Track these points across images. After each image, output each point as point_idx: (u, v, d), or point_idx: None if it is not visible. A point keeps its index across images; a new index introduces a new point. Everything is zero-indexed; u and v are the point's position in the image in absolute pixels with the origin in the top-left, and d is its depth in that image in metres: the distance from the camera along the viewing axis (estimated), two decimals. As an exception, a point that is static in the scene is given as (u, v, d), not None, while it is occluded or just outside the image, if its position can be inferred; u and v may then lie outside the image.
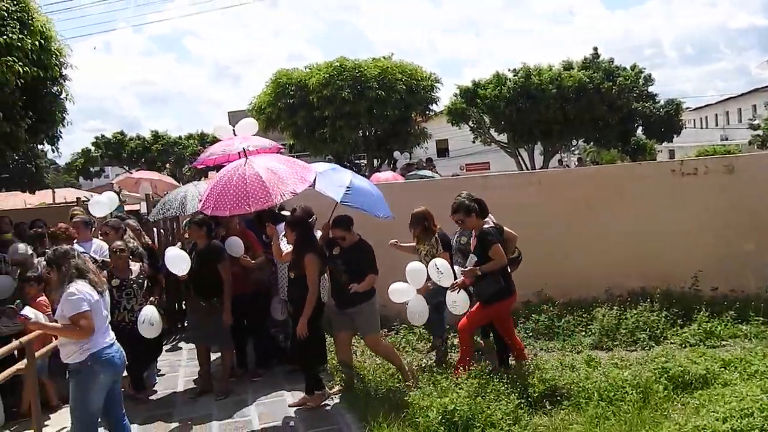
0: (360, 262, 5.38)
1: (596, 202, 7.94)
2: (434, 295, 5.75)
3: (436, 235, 6.00)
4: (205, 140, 33.33)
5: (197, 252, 5.98)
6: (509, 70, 22.26)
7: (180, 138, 33.50)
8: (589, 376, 5.20)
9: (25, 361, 4.30)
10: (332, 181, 5.78)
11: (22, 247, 5.94)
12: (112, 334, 4.08)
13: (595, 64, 22.34)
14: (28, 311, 5.15)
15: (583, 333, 6.84)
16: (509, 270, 5.71)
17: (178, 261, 5.69)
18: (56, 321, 3.93)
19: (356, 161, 23.44)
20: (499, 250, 5.34)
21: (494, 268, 5.34)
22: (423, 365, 6.15)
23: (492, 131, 23.79)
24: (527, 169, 23.09)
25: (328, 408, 5.45)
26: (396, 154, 22.31)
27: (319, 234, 5.69)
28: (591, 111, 21.08)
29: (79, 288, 3.85)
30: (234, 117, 42.15)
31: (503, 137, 23.96)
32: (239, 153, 6.06)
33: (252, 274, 6.26)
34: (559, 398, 4.95)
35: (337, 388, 5.73)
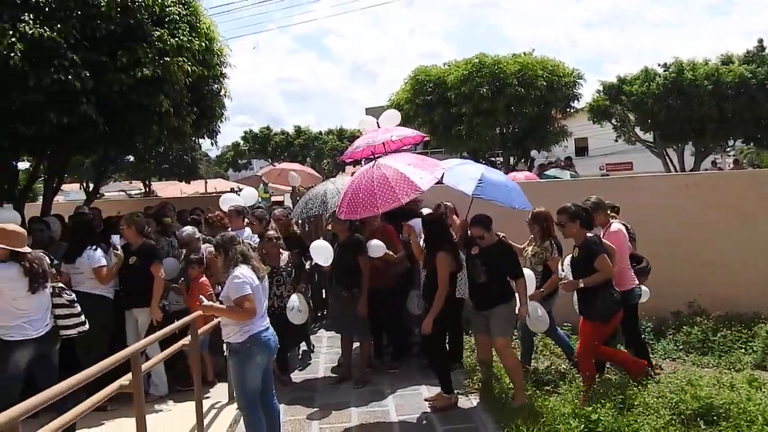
0: (500, 264, 5.23)
1: (755, 208, 7.27)
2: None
3: (552, 240, 5.78)
4: (344, 136, 34.49)
5: (339, 244, 6.21)
6: (659, 65, 20.80)
7: (320, 133, 34.92)
8: (752, 398, 4.72)
9: (189, 337, 4.67)
10: (463, 174, 5.71)
11: (190, 229, 6.40)
12: (267, 319, 4.30)
13: (760, 57, 20.28)
14: None
15: (743, 350, 6.28)
16: (637, 282, 5.48)
17: (322, 252, 5.92)
18: (220, 302, 4.22)
19: (492, 159, 23.08)
20: (606, 262, 4.99)
21: (599, 280, 4.99)
22: (561, 369, 5.96)
23: (637, 130, 22.39)
24: (675, 170, 21.50)
25: (465, 407, 5.41)
26: (534, 152, 21.66)
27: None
28: (752, 108, 19.18)
29: (243, 272, 4.07)
30: (371, 113, 42.93)
31: (649, 136, 22.47)
32: (383, 144, 6.22)
33: (392, 269, 6.38)
34: (715, 418, 4.55)
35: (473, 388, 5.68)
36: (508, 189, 5.74)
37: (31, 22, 5.60)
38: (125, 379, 3.61)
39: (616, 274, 5.22)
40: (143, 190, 36.99)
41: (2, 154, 7.16)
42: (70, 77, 5.66)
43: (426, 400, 5.56)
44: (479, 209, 5.48)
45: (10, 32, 5.47)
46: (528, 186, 7.50)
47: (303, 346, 7.01)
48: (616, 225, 5.66)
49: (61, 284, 4.69)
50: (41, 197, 9.30)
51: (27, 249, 4.31)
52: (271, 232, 6.08)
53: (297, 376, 6.45)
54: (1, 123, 5.77)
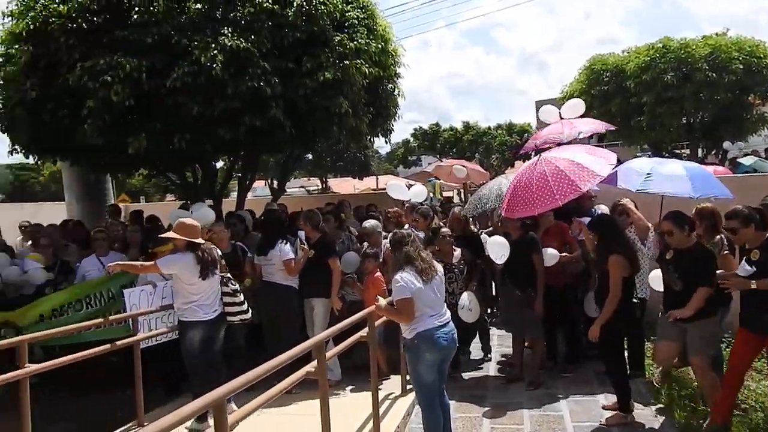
0: (693, 271, 4.61)
1: None
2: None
3: (721, 237, 5.07)
4: (513, 130, 33.83)
5: (513, 242, 6.09)
6: None
7: (489, 128, 34.59)
8: None
9: (366, 329, 4.86)
10: (629, 171, 5.35)
11: (373, 223, 6.68)
12: (445, 316, 4.33)
13: None
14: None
15: None
16: None
17: (500, 248, 5.84)
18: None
19: (676, 151, 21.29)
20: None
21: None
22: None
23: None
24: None
25: (649, 424, 5.02)
26: (726, 143, 19.56)
27: None
28: None
29: (403, 277, 4.14)
30: (541, 106, 41.56)
31: None
32: (571, 141, 5.99)
33: (567, 267, 6.14)
34: None
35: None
36: (683, 178, 5.20)
37: (229, 35, 6.19)
38: (311, 367, 3.84)
39: None
40: (320, 187, 39.37)
41: (205, 156, 8.01)
42: (262, 84, 6.16)
43: (604, 408, 5.28)
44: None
45: (212, 45, 6.09)
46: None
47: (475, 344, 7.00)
48: None
49: (228, 275, 5.19)
50: (235, 194, 10.28)
51: (201, 241, 4.90)
52: (444, 230, 6.14)
53: (467, 374, 6.45)
54: (206, 128, 6.43)
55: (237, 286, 5.25)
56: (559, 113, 7.55)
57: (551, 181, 5.59)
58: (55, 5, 6.39)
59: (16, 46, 6.74)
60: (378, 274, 6.20)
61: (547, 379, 6.08)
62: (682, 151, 21.80)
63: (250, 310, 5.35)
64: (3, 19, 7.06)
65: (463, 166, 12.96)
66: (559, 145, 6.89)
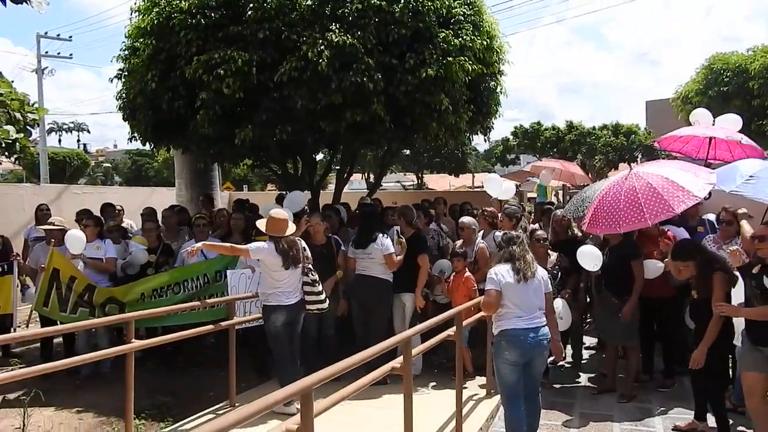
0: None
1: None
2: None
3: None
4: (619, 131, 32.36)
5: (610, 248, 5.85)
6: None
7: (593, 128, 33.26)
8: None
9: (454, 328, 4.85)
10: (732, 171, 4.98)
11: (468, 219, 6.60)
12: (537, 320, 4.28)
13: None
14: None
15: None
16: None
17: (591, 258, 5.63)
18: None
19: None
20: None
21: None
22: None
23: None
24: None
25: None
26: None
27: None
28: None
29: (497, 270, 4.26)
30: (652, 107, 39.54)
31: None
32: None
33: (670, 277, 5.82)
34: None
35: None
36: None
37: (336, 30, 6.33)
38: (397, 362, 3.88)
39: None
40: (416, 182, 39.46)
41: (306, 148, 8.25)
42: (365, 79, 6.26)
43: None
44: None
45: (320, 41, 6.25)
46: None
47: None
48: None
49: (309, 265, 5.41)
50: (333, 186, 10.51)
51: (286, 234, 5.20)
52: (540, 232, 5.99)
53: (556, 382, 6.28)
54: (308, 121, 6.62)
55: (317, 276, 5.44)
56: (714, 121, 7.20)
57: (641, 198, 5.31)
58: (177, 1, 6.78)
59: (141, 40, 7.22)
60: (468, 274, 6.14)
61: (642, 392, 5.81)
62: (809, 160, 20.09)
63: (328, 301, 5.54)
64: (131, 14, 7.60)
65: (559, 168, 12.45)
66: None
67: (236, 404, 5.40)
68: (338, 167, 9.56)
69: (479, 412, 5.27)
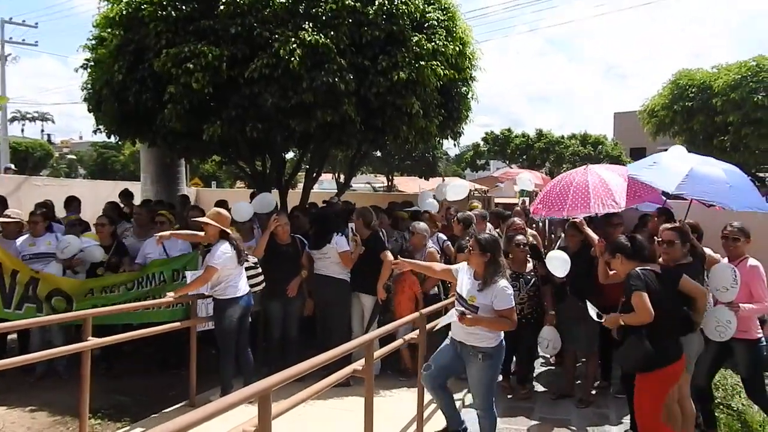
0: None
1: None
2: None
3: None
4: (587, 141, 32.90)
5: (573, 254, 5.92)
6: None
7: (562, 137, 33.77)
8: None
9: (417, 331, 4.87)
10: (665, 170, 4.94)
11: (424, 225, 6.78)
12: None
13: None
14: None
15: None
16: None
17: (560, 263, 5.69)
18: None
19: (760, 175, 20.21)
20: (640, 302, 4.01)
21: (633, 321, 4.10)
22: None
23: None
24: None
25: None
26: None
27: None
28: None
29: (508, 285, 4.30)
30: (620, 118, 40.34)
31: None
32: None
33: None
34: None
35: None
36: (725, 185, 4.80)
37: (309, 29, 6.28)
38: (359, 365, 3.87)
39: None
40: (386, 184, 39.51)
41: (276, 147, 8.18)
42: (337, 80, 6.22)
43: None
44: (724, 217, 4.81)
45: (292, 39, 6.20)
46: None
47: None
48: (753, 260, 4.77)
49: (246, 251, 5.76)
50: (301, 185, 10.43)
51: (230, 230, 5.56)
52: (519, 237, 6.04)
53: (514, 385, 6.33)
54: (278, 119, 6.56)
55: (255, 260, 5.98)
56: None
57: (591, 191, 5.55)
58: (148, -8, 6.65)
59: (109, 30, 7.06)
60: (414, 278, 6.28)
61: (600, 398, 5.91)
62: (767, 175, 20.72)
63: (264, 283, 6.04)
64: (99, 3, 7.43)
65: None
66: None
67: (197, 404, 5.32)
68: (308, 166, 9.48)
69: (440, 416, 5.27)
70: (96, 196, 10.78)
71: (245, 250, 5.75)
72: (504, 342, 4.40)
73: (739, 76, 16.06)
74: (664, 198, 6.13)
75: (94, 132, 8.06)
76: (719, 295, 4.54)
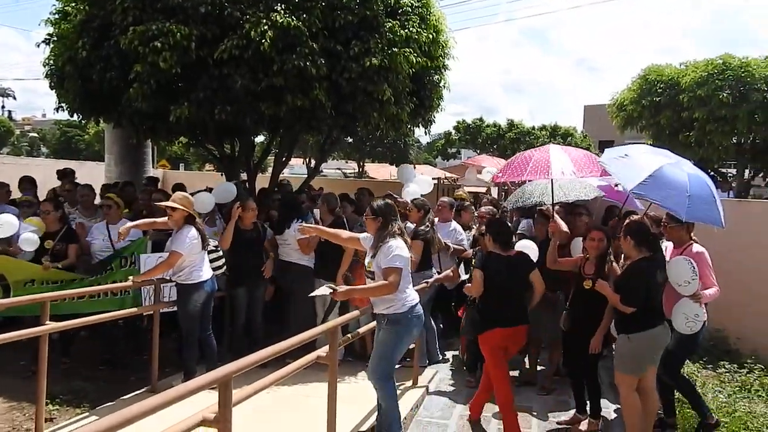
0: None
1: None
2: None
3: None
4: (557, 133, 33.25)
5: (541, 242, 5.98)
6: None
7: (533, 128, 34.09)
8: None
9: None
10: (633, 165, 4.88)
11: None
12: None
13: None
14: None
15: None
16: None
17: (527, 252, 5.71)
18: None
19: (722, 170, 20.70)
20: (474, 277, 4.85)
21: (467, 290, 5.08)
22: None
23: None
24: None
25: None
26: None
27: None
28: None
29: (399, 244, 4.21)
30: (590, 111, 40.81)
31: None
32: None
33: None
34: None
35: None
36: (688, 196, 4.66)
37: (281, 11, 6.17)
38: (323, 351, 3.86)
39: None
40: (357, 171, 39.41)
41: (245, 130, 8.06)
42: (308, 63, 6.13)
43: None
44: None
45: (264, 20, 6.08)
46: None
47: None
48: (698, 246, 4.99)
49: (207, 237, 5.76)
50: (271, 169, 10.32)
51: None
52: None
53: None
54: (248, 102, 6.45)
55: (216, 243, 6.00)
56: None
57: (551, 160, 5.65)
58: (114, -34, 6.45)
59: (73, 4, 6.86)
60: None
61: (561, 386, 6.01)
62: (729, 170, 21.21)
63: (225, 267, 6.07)
64: (63, -25, 7.19)
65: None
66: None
67: (158, 390, 5.25)
68: (277, 151, 9.37)
69: (405, 401, 5.29)
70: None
71: (208, 235, 5.72)
72: (419, 311, 4.31)
73: (706, 74, 16.32)
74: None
75: (56, 110, 7.83)
76: (681, 289, 4.57)
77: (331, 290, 4.21)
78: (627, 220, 4.89)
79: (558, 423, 5.29)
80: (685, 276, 4.52)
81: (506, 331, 4.81)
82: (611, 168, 5.11)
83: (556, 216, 5.66)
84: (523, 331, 4.94)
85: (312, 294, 4.57)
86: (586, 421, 5.07)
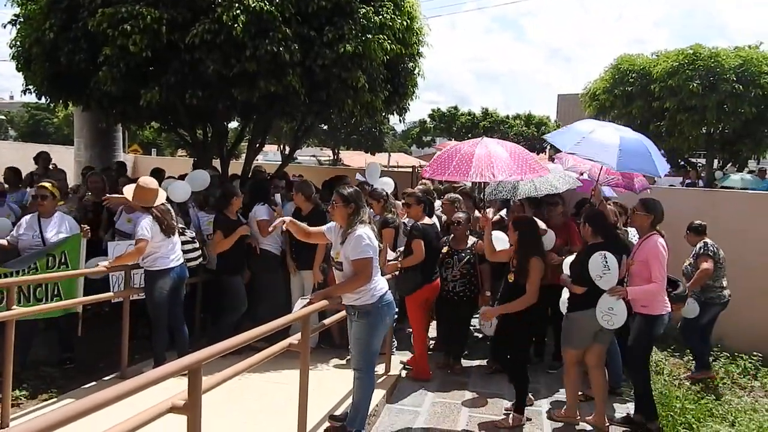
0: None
1: None
2: None
3: None
4: (531, 121, 33.53)
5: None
6: None
7: (507, 117, 34.31)
8: None
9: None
10: (598, 143, 5.00)
11: None
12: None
13: None
14: None
15: None
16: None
17: (499, 243, 5.74)
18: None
19: (692, 160, 21.04)
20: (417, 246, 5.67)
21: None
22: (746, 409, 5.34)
23: None
24: None
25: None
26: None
27: None
28: None
29: (368, 233, 4.12)
30: (563, 100, 41.19)
31: None
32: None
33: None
34: None
35: None
36: (617, 148, 4.91)
37: (254, -4, 6.09)
38: (295, 339, 3.86)
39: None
40: (332, 158, 39.29)
41: (217, 116, 7.98)
42: (281, 49, 6.08)
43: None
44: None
45: (236, 5, 6.00)
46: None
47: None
48: (655, 238, 4.93)
49: (182, 225, 5.91)
50: (244, 155, 10.23)
51: (155, 203, 5.38)
52: (461, 215, 6.13)
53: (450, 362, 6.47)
54: (220, 87, 6.38)
55: (193, 234, 6.09)
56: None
57: (474, 161, 5.37)
58: (83, -54, 6.30)
59: (40, -16, 6.69)
60: None
61: (533, 374, 6.08)
62: (698, 160, 21.57)
63: (204, 257, 6.19)
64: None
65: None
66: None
67: (128, 377, 5.21)
68: (251, 137, 9.29)
69: (377, 389, 5.34)
70: (27, 159, 10.28)
71: (180, 222, 5.68)
72: (388, 299, 4.27)
73: (677, 64, 16.49)
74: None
75: (24, 92, 7.67)
76: (599, 283, 4.66)
77: (308, 301, 4.14)
78: (586, 208, 5.04)
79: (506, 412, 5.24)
80: (597, 270, 4.63)
81: (432, 285, 5.82)
82: (551, 138, 5.47)
83: (488, 211, 5.61)
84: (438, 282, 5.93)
85: (293, 312, 4.41)
86: (511, 416, 5.02)
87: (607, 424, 4.94)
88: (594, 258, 4.63)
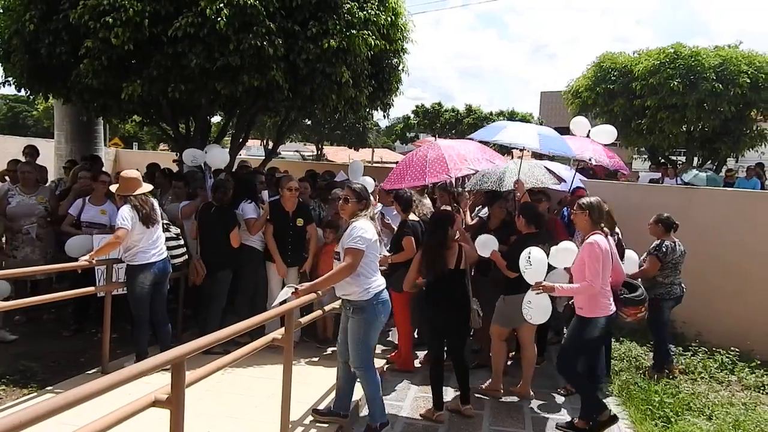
0: None
1: None
2: None
3: None
4: (514, 118, 33.65)
5: (494, 230, 6.07)
6: None
7: (491, 114, 34.45)
8: None
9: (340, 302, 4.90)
10: (519, 130, 5.98)
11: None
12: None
13: None
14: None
15: None
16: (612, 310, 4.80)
17: (488, 245, 5.75)
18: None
19: (672, 158, 21.28)
20: (408, 243, 5.69)
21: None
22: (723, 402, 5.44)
23: None
24: None
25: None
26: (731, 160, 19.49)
27: None
28: None
29: (364, 225, 4.16)
30: (546, 97, 41.39)
31: None
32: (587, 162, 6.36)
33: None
34: None
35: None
36: (536, 134, 5.88)
37: (238, -11, 6.06)
38: (278, 333, 3.87)
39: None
40: (315, 153, 39.17)
41: (200, 110, 7.93)
42: (265, 43, 6.06)
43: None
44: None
45: (220, -2, 5.97)
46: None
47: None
48: (594, 237, 4.73)
49: (167, 221, 5.85)
50: (227, 150, 10.17)
51: (136, 192, 5.26)
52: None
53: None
54: (203, 81, 6.35)
55: (178, 230, 6.03)
56: (589, 131, 7.51)
57: (428, 165, 5.57)
58: (64, -63, 6.22)
59: (20, -25, 6.59)
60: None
61: (513, 368, 6.15)
62: (678, 158, 21.81)
63: (187, 255, 6.11)
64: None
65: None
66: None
67: (109, 371, 5.18)
68: (234, 131, 9.25)
69: (357, 384, 5.37)
70: (4, 152, 10.13)
71: (164, 218, 5.61)
72: (384, 297, 4.26)
73: (658, 62, 16.66)
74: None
75: (2, 84, 7.56)
76: (524, 276, 4.83)
77: (294, 289, 4.13)
78: (522, 202, 5.77)
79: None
80: (522, 264, 4.87)
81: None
82: (477, 136, 6.21)
83: (464, 193, 6.24)
84: None
85: (277, 300, 4.28)
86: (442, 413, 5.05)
87: (532, 393, 5.50)
88: (523, 253, 4.85)
